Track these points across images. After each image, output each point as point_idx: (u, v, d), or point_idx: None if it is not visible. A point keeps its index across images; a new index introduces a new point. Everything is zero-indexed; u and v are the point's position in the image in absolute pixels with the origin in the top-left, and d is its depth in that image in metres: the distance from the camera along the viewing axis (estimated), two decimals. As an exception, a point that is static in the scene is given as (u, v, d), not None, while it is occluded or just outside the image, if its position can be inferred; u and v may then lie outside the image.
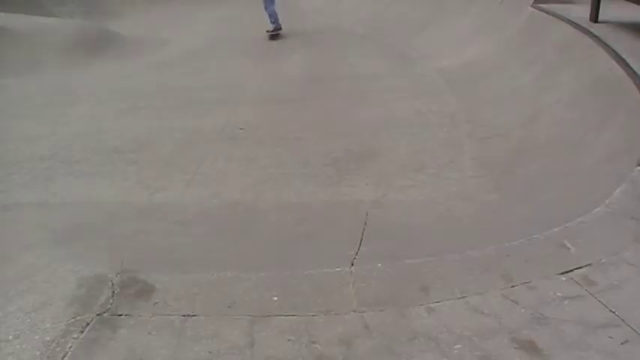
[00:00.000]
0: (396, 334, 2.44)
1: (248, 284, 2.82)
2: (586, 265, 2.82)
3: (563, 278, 2.75)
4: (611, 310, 2.51)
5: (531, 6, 7.64)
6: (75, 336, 2.46)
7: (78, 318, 2.57)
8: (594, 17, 6.53)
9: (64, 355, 2.35)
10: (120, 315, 2.60)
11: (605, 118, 4.64)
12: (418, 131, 5.94)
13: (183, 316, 2.59)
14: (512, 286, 2.71)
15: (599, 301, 2.58)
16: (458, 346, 2.35)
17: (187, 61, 9.32)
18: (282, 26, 10.99)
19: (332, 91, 7.40)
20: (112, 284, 2.82)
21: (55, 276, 2.94)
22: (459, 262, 2.95)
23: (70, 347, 2.40)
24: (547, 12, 7.27)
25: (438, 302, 2.62)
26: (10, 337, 2.50)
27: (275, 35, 10.93)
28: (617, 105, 4.68)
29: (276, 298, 2.70)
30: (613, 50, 5.44)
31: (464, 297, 2.65)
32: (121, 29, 11.12)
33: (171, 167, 5.35)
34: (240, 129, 6.10)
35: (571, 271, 2.79)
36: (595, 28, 6.17)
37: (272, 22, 10.94)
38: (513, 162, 4.94)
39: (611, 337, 2.35)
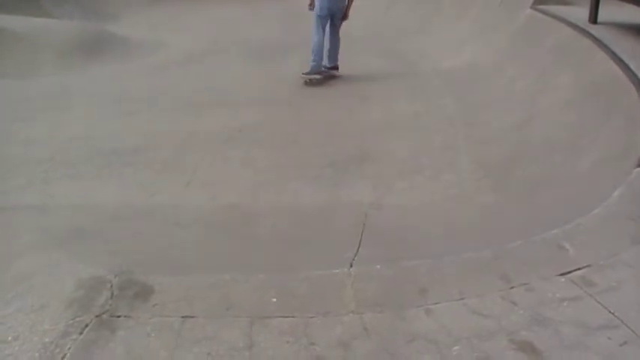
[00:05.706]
0: (394, 335, 2.44)
1: (247, 286, 2.82)
2: (585, 267, 2.83)
3: (562, 279, 2.76)
4: (609, 312, 2.52)
5: (530, 7, 7.66)
6: (74, 337, 2.46)
7: (77, 319, 2.57)
8: (593, 19, 6.54)
9: (63, 357, 2.35)
10: (119, 316, 2.60)
11: (604, 119, 4.65)
12: (416, 133, 5.95)
13: (182, 317, 2.59)
14: (511, 288, 2.71)
15: (597, 302, 2.58)
16: (456, 347, 2.35)
17: (186, 64, 9.31)
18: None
19: (330, 94, 7.40)
20: (111, 286, 2.82)
21: (54, 278, 2.94)
22: (457, 264, 2.95)
23: (69, 348, 2.40)
24: (546, 13, 7.28)
25: (436, 304, 2.63)
26: (10, 338, 2.50)
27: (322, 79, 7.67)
28: (615, 107, 4.69)
29: (275, 300, 2.70)
30: (612, 52, 5.45)
31: (462, 298, 2.65)
32: (120, 31, 11.09)
33: (170, 170, 5.33)
34: (239, 131, 6.09)
35: (570, 272, 2.80)
36: (594, 30, 6.18)
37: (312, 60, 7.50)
38: (511, 164, 4.94)
39: (609, 339, 2.36)
